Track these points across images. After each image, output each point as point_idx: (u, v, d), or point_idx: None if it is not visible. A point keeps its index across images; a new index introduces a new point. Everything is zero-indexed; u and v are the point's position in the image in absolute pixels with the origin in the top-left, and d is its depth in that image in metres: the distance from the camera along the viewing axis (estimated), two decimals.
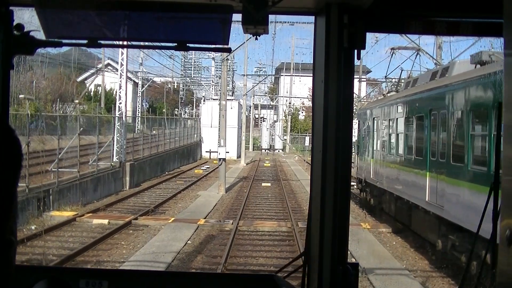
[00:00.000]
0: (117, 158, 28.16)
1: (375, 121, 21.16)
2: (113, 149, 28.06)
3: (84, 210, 20.12)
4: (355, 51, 2.23)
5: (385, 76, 24.08)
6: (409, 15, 2.25)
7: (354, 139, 23.04)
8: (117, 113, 28.73)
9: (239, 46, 25.92)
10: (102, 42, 2.19)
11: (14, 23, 2.09)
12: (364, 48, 2.22)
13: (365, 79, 56.15)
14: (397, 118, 17.79)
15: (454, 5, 2.24)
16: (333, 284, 2.23)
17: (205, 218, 19.11)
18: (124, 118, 28.62)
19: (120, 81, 29.01)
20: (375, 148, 21.08)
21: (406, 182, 16.14)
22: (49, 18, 2.09)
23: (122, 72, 28.83)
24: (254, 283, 2.50)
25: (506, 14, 1.14)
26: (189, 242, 15.45)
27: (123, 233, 16.72)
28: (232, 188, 29.41)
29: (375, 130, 21.14)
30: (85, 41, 2.12)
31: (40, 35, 2.11)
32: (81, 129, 22.55)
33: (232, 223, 18.18)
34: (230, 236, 16.07)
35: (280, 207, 23.43)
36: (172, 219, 18.73)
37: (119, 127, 28.28)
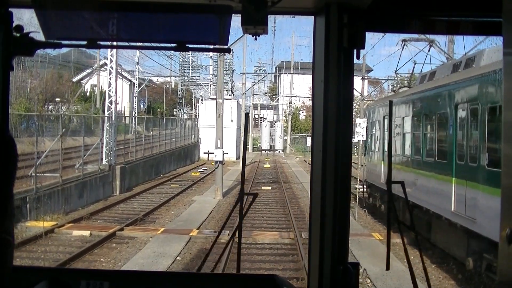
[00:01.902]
0: (106, 161, 26.28)
1: (386, 120, 19.23)
2: (102, 151, 26.13)
3: (65, 220, 18.24)
4: (355, 50, 2.20)
5: (395, 71, 22.16)
6: (408, 15, 2.23)
7: (363, 139, 21.15)
8: (106, 113, 26.81)
9: (237, 39, 23.98)
10: (102, 43, 2.18)
11: (14, 24, 2.07)
12: (364, 47, 2.19)
13: (368, 77, 54.23)
14: (412, 116, 15.87)
15: (453, 4, 2.23)
16: (334, 283, 2.22)
17: (198, 228, 17.20)
18: (113, 118, 26.69)
19: (110, 78, 27.10)
20: (386, 150, 19.16)
21: (425, 189, 14.22)
22: (49, 19, 2.08)
23: (112, 68, 26.91)
24: (255, 283, 2.47)
25: (505, 13, 1.14)
26: (178, 258, 13.54)
27: (104, 247, 14.81)
28: (230, 192, 27.50)
29: (386, 129, 19.22)
30: (84, 42, 2.12)
31: (39, 36, 2.10)
32: (64, 130, 20.61)
33: (228, 234, 16.25)
34: (226, 250, 14.16)
35: (282, 213, 21.53)
36: (162, 229, 16.81)
37: (108, 128, 26.38)
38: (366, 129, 22.20)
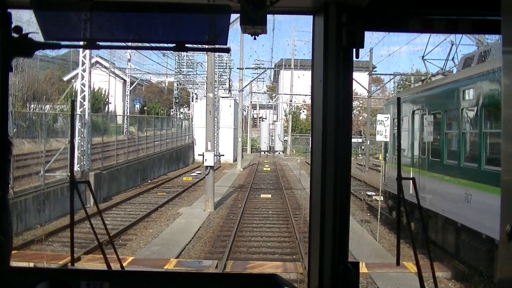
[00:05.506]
0: (78, 167, 22.42)
1: (416, 116, 15.35)
2: (72, 156, 22.17)
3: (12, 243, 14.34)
4: (354, 50, 2.19)
5: (422, 57, 18.32)
6: (407, 13, 2.20)
7: (385, 139, 17.30)
8: (78, 110, 22.93)
9: (233, 20, 20.12)
10: (101, 43, 2.19)
11: (13, 25, 2.07)
12: (362, 47, 2.17)
13: (374, 72, 50.51)
14: (461, 109, 11.98)
15: (452, 3, 2.22)
16: (334, 282, 2.22)
17: (177, 258, 13.29)
18: (87, 116, 22.82)
19: (83, 69, 23.23)
20: (416, 153, 15.29)
21: (486, 208, 10.34)
22: (48, 20, 2.06)
23: (85, 59, 23.03)
24: (255, 282, 2.44)
25: (503, 11, 1.13)
26: None
27: None
28: (223, 201, 23.65)
29: (416, 128, 15.33)
30: (83, 43, 2.15)
31: (38, 37, 2.06)
32: (15, 130, 16.75)
33: (216, 266, 12.42)
34: None
35: (285, 231, 17.67)
36: (130, 259, 12.91)
37: (80, 127, 22.51)
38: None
